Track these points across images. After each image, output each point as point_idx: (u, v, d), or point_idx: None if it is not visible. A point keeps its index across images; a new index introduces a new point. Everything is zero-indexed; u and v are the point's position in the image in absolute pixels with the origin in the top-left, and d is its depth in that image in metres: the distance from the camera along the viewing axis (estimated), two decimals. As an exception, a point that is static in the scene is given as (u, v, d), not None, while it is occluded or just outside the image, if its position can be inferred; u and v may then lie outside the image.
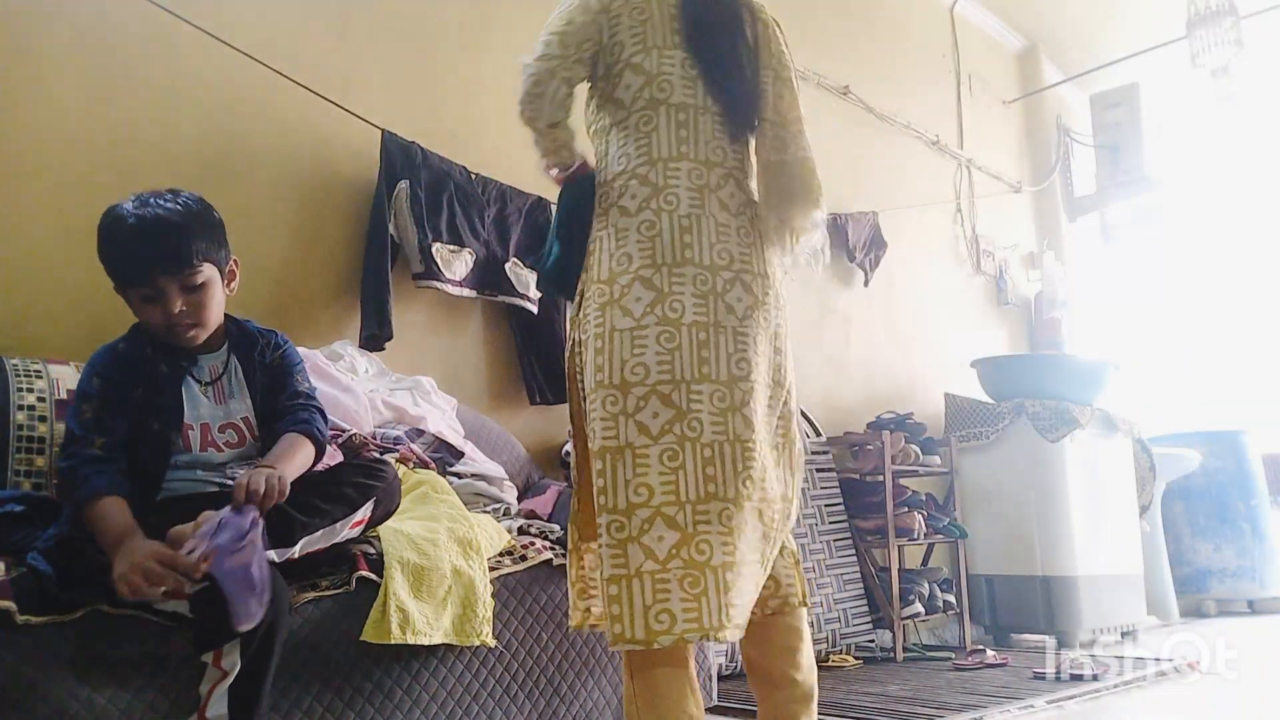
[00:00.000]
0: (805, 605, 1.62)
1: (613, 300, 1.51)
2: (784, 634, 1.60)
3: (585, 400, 1.53)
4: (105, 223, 1.49)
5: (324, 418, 1.67)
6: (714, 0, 1.64)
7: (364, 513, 1.59)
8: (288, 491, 1.40)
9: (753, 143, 1.68)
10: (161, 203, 1.49)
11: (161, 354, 1.54)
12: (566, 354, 1.64)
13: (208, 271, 1.52)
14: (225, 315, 1.62)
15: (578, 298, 1.60)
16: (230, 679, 1.32)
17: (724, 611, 1.40)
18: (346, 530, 1.58)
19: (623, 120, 1.60)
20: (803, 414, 3.79)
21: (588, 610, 1.65)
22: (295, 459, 1.52)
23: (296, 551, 1.49)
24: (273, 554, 1.41)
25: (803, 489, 3.54)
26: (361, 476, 1.63)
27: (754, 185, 1.66)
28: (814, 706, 1.61)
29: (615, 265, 1.53)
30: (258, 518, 1.33)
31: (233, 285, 1.61)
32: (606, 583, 1.42)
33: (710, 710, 2.21)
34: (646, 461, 1.44)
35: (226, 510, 1.33)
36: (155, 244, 1.46)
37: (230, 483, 1.50)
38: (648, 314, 1.48)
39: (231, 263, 1.60)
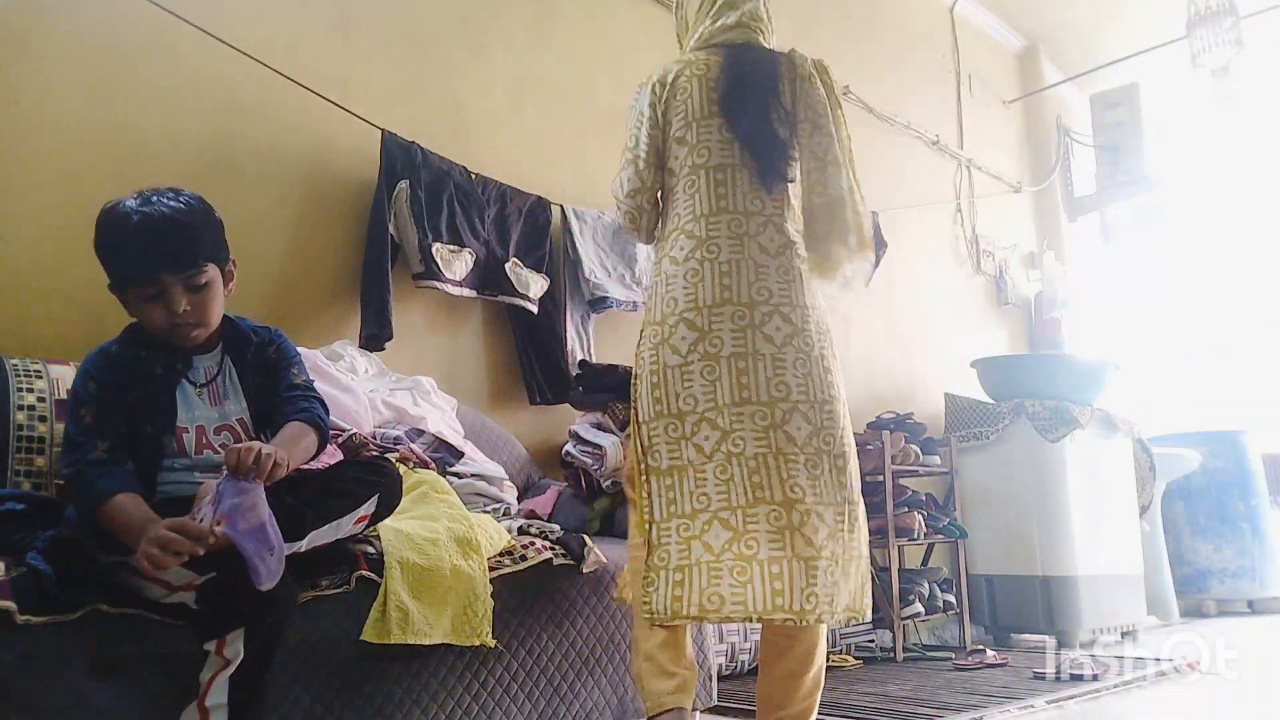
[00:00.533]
0: (860, 617, 1.76)
1: (664, 340, 1.76)
2: (796, 656, 1.76)
3: (640, 425, 1.78)
4: (106, 219, 1.47)
5: (324, 406, 1.66)
6: (750, 68, 1.84)
7: (368, 508, 1.60)
8: (285, 465, 1.38)
9: (792, 188, 1.88)
10: (166, 201, 1.48)
11: (156, 356, 1.52)
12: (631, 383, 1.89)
13: (211, 271, 1.52)
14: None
15: (639, 333, 1.85)
16: (232, 668, 1.31)
17: (770, 598, 1.61)
18: (351, 525, 1.58)
19: (674, 186, 1.86)
20: (803, 414, 3.78)
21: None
22: (299, 444, 1.51)
23: (304, 545, 1.49)
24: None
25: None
26: (364, 472, 1.64)
27: (792, 225, 1.84)
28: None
29: (665, 308, 1.77)
30: (259, 481, 1.33)
31: (231, 286, 1.60)
32: (674, 570, 1.67)
33: (710, 710, 2.21)
34: (704, 475, 1.71)
35: (224, 478, 1.33)
36: (162, 242, 1.45)
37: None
38: (692, 351, 1.73)
39: (231, 263, 1.60)
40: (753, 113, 1.81)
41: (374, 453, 2.05)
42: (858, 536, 1.76)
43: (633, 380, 1.83)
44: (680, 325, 1.75)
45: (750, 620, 1.65)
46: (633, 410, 1.82)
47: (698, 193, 1.80)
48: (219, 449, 1.53)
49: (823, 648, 1.78)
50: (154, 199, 1.48)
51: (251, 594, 1.31)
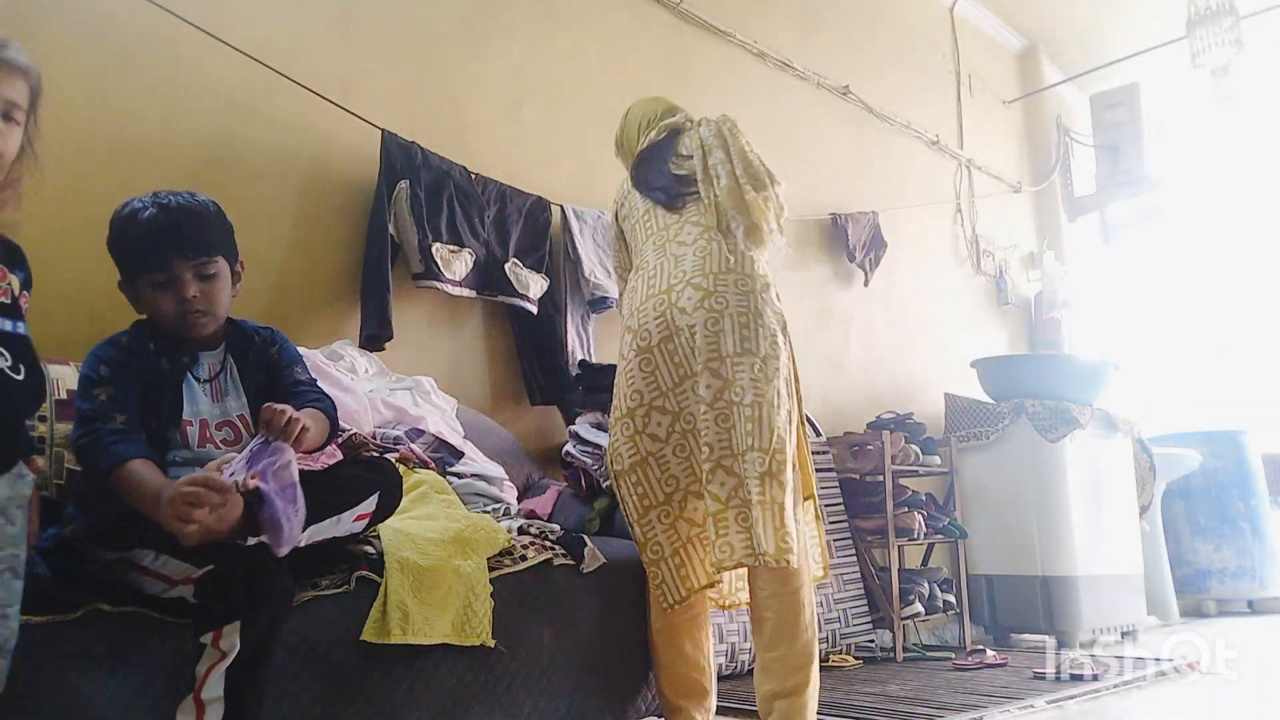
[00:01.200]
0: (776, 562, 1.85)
1: (620, 355, 2.03)
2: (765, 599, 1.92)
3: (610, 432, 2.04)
4: (121, 214, 1.52)
5: (332, 403, 1.67)
6: (650, 149, 2.21)
7: (368, 505, 1.60)
8: (307, 442, 1.44)
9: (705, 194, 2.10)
10: (180, 196, 1.55)
11: (163, 350, 1.54)
12: None
13: (221, 265, 1.56)
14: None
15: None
16: (228, 660, 1.31)
17: (724, 547, 1.81)
18: (351, 523, 1.58)
19: (633, 258, 2.20)
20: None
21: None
22: (317, 424, 1.53)
23: (304, 540, 1.48)
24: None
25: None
26: (364, 471, 1.66)
27: (707, 222, 2.06)
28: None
29: (621, 328, 2.07)
30: (289, 450, 1.36)
31: (238, 287, 1.63)
32: (671, 556, 1.92)
33: (710, 710, 2.21)
34: (665, 459, 1.94)
35: (257, 439, 1.36)
36: (175, 229, 1.50)
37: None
38: (629, 350, 1.98)
39: (239, 265, 1.63)
40: (653, 172, 2.15)
41: (374, 453, 2.06)
42: (781, 484, 1.84)
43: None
44: (625, 335, 2.01)
45: (716, 571, 1.84)
46: None
47: (634, 240, 2.15)
48: (220, 444, 1.55)
49: (803, 623, 1.87)
50: (168, 195, 1.54)
51: (248, 586, 1.32)
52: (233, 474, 1.32)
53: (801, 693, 1.85)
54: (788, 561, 1.78)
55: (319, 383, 1.74)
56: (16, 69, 1.20)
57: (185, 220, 1.51)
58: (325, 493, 1.54)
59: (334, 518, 1.54)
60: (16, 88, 1.20)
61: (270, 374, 1.64)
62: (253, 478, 1.31)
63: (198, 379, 1.57)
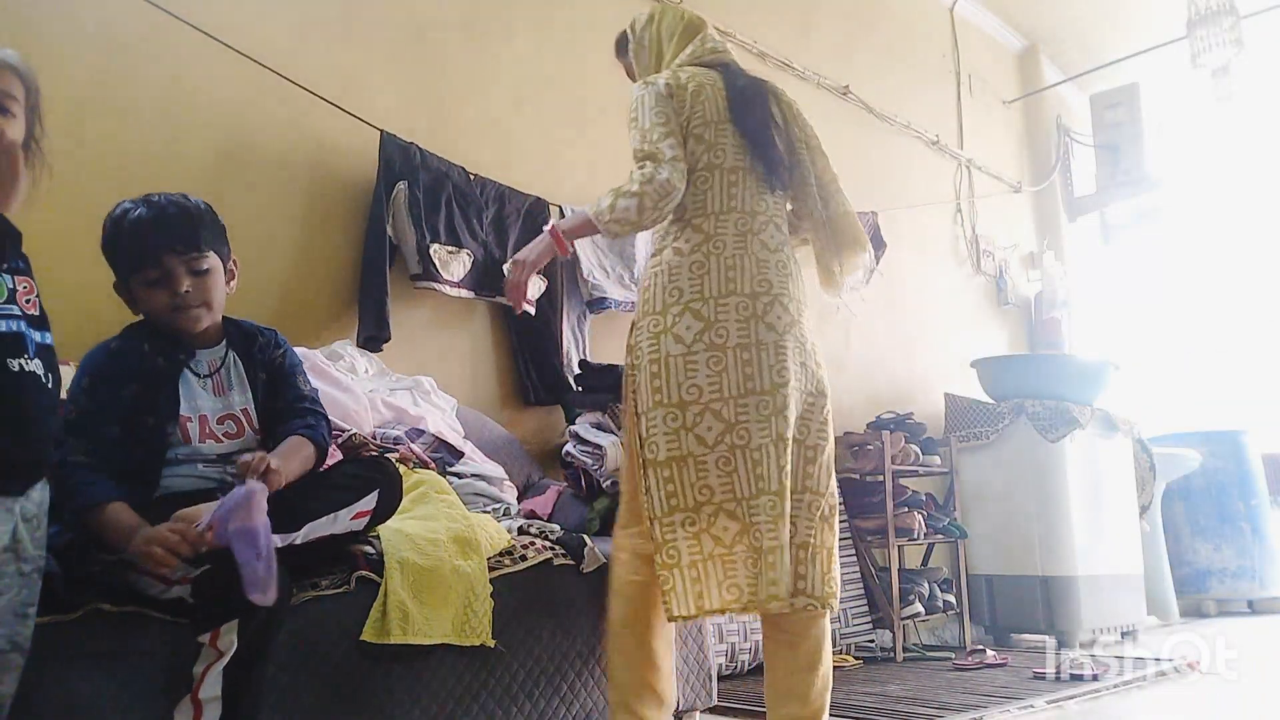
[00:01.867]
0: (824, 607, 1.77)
1: (666, 329, 1.77)
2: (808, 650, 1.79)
3: (639, 416, 1.78)
4: (113, 216, 1.54)
5: (328, 424, 1.68)
6: (750, 86, 1.94)
7: (367, 504, 1.60)
8: (281, 482, 1.42)
9: (791, 197, 1.97)
10: (169, 196, 1.56)
11: (159, 348, 1.55)
12: (625, 376, 1.88)
13: (213, 260, 1.57)
14: (223, 316, 1.63)
15: (630, 327, 1.86)
16: (225, 660, 1.32)
17: (765, 589, 1.68)
18: (350, 520, 1.58)
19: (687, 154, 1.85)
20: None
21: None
22: (296, 458, 1.54)
23: (300, 537, 1.48)
24: (277, 539, 1.41)
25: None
26: (364, 469, 1.66)
27: (785, 229, 1.92)
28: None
29: (668, 297, 1.79)
30: (260, 489, 1.34)
31: (233, 285, 1.64)
32: (688, 567, 1.72)
33: (710, 710, 2.21)
34: (706, 466, 1.73)
35: (237, 489, 1.36)
36: (166, 227, 1.52)
37: (230, 479, 1.51)
38: (697, 340, 1.75)
39: (232, 262, 1.64)
40: (758, 123, 1.90)
41: (374, 452, 2.05)
42: (831, 528, 1.81)
43: (628, 372, 1.85)
44: (685, 315, 1.76)
45: (750, 610, 1.71)
46: (629, 402, 1.83)
47: (709, 190, 1.83)
48: (221, 438, 1.56)
49: (828, 647, 1.81)
50: (159, 196, 1.56)
51: (246, 584, 1.32)
52: (201, 526, 1.31)
53: (823, 715, 1.81)
54: (831, 606, 1.76)
55: (319, 383, 1.74)
56: (5, 65, 1.22)
57: (175, 216, 1.53)
58: (323, 489, 1.55)
59: (331, 515, 1.54)
60: (5, 78, 1.21)
61: (272, 377, 1.64)
62: (209, 529, 1.29)
63: (197, 374, 1.57)
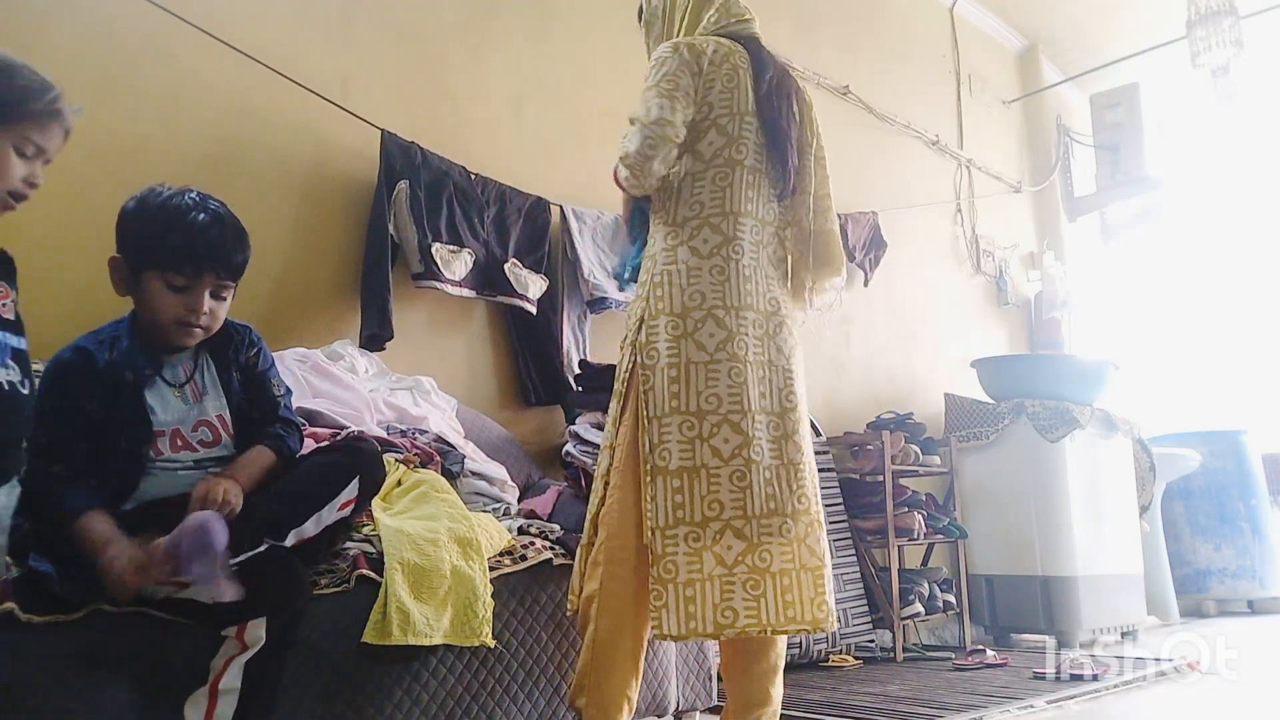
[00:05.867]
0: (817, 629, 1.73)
1: (687, 333, 1.71)
2: (775, 653, 1.79)
3: (649, 421, 1.71)
4: (167, 202, 1.48)
5: (299, 431, 1.65)
6: (778, 79, 1.83)
7: (350, 492, 1.56)
8: (238, 505, 1.40)
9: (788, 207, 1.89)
10: (227, 210, 1.53)
11: (127, 361, 1.49)
12: (625, 374, 1.80)
13: (233, 289, 1.55)
14: None
15: (637, 323, 1.78)
16: (249, 653, 1.33)
17: (782, 610, 1.66)
18: (335, 513, 1.54)
19: (700, 172, 1.78)
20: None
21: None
22: (254, 468, 1.51)
23: (288, 543, 1.46)
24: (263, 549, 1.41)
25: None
26: (339, 456, 1.61)
27: (787, 244, 1.88)
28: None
29: (688, 300, 1.73)
30: (212, 519, 1.33)
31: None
32: (684, 585, 1.65)
33: (710, 710, 2.21)
34: (719, 480, 1.67)
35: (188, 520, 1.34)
36: (221, 245, 1.48)
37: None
38: (720, 350, 1.70)
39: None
40: (784, 122, 1.81)
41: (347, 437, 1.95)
42: (825, 545, 1.78)
43: (638, 371, 1.76)
44: (709, 321, 1.71)
45: (764, 633, 1.67)
46: (639, 403, 1.74)
47: (730, 187, 1.76)
48: (196, 446, 1.52)
49: (782, 643, 1.83)
50: (213, 202, 1.52)
51: (280, 582, 1.35)
52: (157, 559, 1.31)
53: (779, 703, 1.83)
54: (822, 630, 1.72)
55: (319, 382, 1.74)
56: (63, 121, 1.25)
57: (233, 238, 1.51)
58: (301, 486, 1.51)
59: (314, 516, 1.50)
60: (54, 138, 1.25)
61: (247, 378, 1.61)
62: (165, 561, 1.29)
63: (172, 385, 1.53)
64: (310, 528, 1.50)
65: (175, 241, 1.46)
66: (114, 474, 1.45)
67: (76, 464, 1.41)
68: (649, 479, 1.69)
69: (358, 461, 1.59)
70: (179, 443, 1.51)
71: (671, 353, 1.71)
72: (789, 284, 1.86)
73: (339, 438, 1.87)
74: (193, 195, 1.51)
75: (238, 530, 1.36)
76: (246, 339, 1.64)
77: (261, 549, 1.40)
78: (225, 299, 1.53)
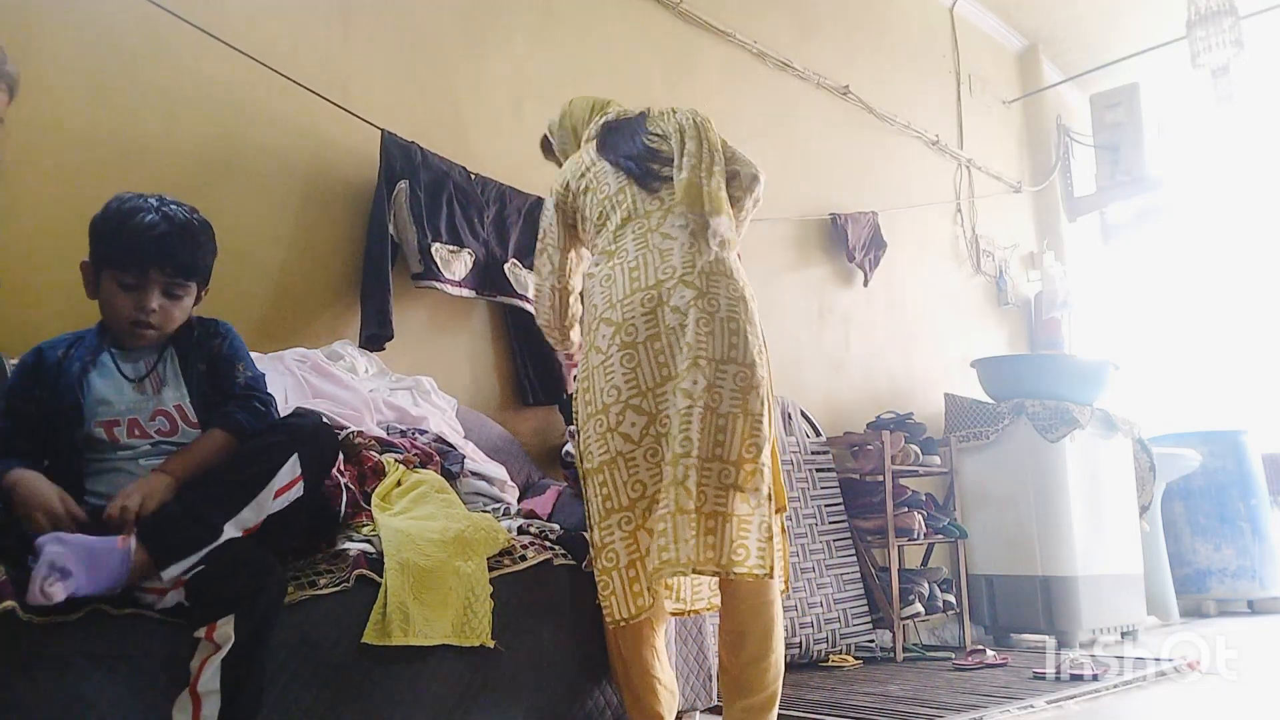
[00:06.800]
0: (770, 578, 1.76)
1: (591, 346, 1.87)
2: (753, 643, 1.83)
3: (578, 430, 1.89)
4: (123, 205, 1.53)
5: (265, 408, 1.62)
6: (615, 122, 2.12)
7: (289, 472, 1.49)
8: (145, 509, 1.39)
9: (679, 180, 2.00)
10: (183, 209, 1.57)
11: (79, 354, 1.55)
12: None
13: (190, 289, 1.59)
14: None
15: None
16: (223, 653, 1.32)
17: (701, 552, 1.68)
18: (277, 499, 1.48)
19: (586, 229, 2.03)
20: (802, 414, 3.79)
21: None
22: (195, 454, 1.50)
23: (227, 535, 1.42)
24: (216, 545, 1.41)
25: (803, 488, 3.54)
26: (274, 436, 1.54)
27: (690, 212, 1.94)
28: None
29: (587, 316, 1.93)
30: (112, 548, 1.33)
31: (197, 306, 1.65)
32: (626, 568, 1.77)
33: (710, 710, 2.21)
34: (635, 462, 1.78)
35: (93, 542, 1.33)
36: (163, 241, 1.52)
37: None
38: (610, 344, 1.83)
39: (205, 290, 1.65)
40: (624, 141, 2.04)
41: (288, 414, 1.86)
42: (746, 498, 1.75)
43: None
44: (600, 325, 1.86)
45: (683, 573, 1.67)
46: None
47: (608, 220, 1.96)
48: (154, 434, 1.55)
49: (778, 635, 1.83)
50: (172, 204, 1.56)
51: (240, 578, 1.34)
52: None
53: (772, 706, 1.84)
54: (755, 575, 1.69)
55: (319, 382, 1.74)
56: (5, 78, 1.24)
57: (179, 235, 1.54)
58: (235, 473, 1.47)
59: (252, 502, 1.44)
60: None
61: (212, 367, 1.63)
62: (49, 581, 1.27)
63: (130, 378, 1.56)
64: (250, 515, 1.44)
65: (123, 241, 1.51)
66: (65, 460, 1.50)
67: (18, 451, 1.47)
68: (584, 482, 1.84)
69: (294, 439, 1.52)
70: (136, 431, 1.54)
71: (582, 367, 1.90)
72: (701, 240, 1.88)
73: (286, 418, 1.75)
74: (153, 199, 1.55)
75: (167, 532, 1.37)
76: (213, 329, 1.66)
77: (213, 546, 1.39)
78: (180, 297, 1.56)
